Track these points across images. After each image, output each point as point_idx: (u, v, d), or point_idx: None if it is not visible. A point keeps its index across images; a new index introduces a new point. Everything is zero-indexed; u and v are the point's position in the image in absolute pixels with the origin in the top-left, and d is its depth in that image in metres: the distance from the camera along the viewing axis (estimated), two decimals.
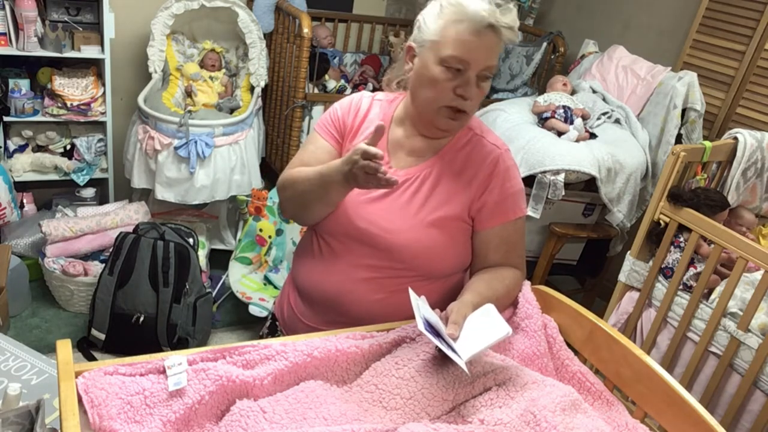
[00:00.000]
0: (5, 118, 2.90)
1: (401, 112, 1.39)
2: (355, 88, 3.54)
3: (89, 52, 2.94)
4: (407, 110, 1.36)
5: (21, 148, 3.05)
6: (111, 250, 2.54)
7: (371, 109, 1.40)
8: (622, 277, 2.41)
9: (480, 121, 1.41)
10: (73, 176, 3.06)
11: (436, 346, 1.13)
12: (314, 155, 1.38)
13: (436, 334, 1.12)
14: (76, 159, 3.09)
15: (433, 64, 1.24)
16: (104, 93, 3.01)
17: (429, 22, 1.26)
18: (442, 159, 1.34)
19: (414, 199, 1.31)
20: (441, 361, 1.12)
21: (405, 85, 1.40)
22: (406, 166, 1.35)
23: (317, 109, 3.16)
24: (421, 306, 1.14)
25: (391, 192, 1.32)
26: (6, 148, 3.01)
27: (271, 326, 1.53)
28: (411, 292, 1.16)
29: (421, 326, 1.09)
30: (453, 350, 1.09)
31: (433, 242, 1.30)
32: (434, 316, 1.15)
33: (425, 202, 1.31)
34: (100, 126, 3.10)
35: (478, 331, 1.14)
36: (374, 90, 3.21)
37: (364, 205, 1.31)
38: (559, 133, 2.78)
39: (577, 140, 2.74)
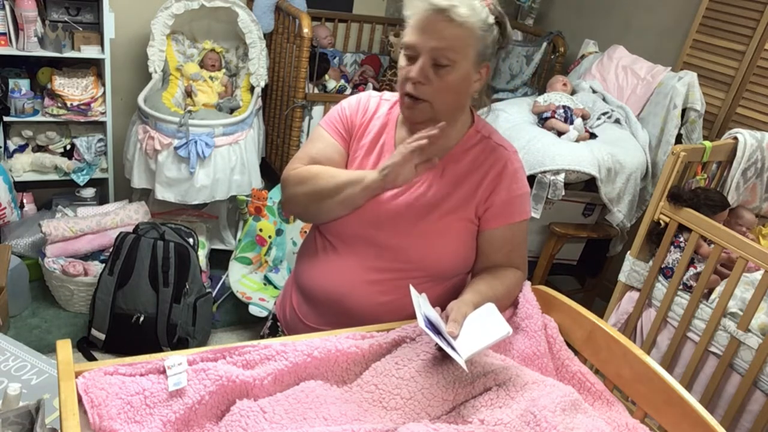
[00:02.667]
0: (5, 118, 2.89)
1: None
2: (355, 88, 3.54)
3: (89, 52, 2.93)
4: None
5: (21, 148, 3.05)
6: (111, 250, 2.54)
7: (379, 108, 1.40)
8: (622, 277, 2.41)
9: (486, 123, 1.41)
10: (73, 176, 3.06)
11: (437, 344, 1.13)
12: (323, 153, 1.37)
13: (437, 331, 1.12)
14: (76, 159, 3.09)
15: (401, 55, 1.27)
16: (104, 93, 3.01)
17: None
18: (451, 161, 1.35)
19: (422, 201, 1.31)
20: (441, 361, 1.12)
21: None
22: None
23: (317, 109, 3.17)
24: (422, 303, 1.15)
25: (401, 193, 1.32)
26: (6, 148, 3.01)
27: (272, 326, 1.53)
28: (412, 289, 1.17)
29: (421, 323, 1.09)
30: (453, 348, 1.09)
31: (442, 243, 1.30)
32: (435, 314, 1.15)
33: (434, 204, 1.31)
34: (100, 126, 3.10)
35: (479, 330, 1.14)
36: (374, 90, 3.20)
37: (372, 206, 1.31)
38: (559, 133, 2.78)
39: (577, 140, 2.74)
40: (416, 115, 1.29)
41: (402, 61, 1.26)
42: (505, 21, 1.28)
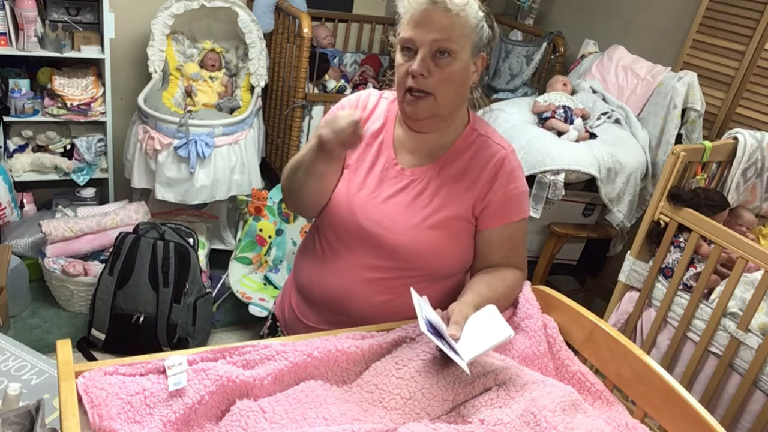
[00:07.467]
0: (5, 118, 2.90)
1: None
2: (355, 88, 3.54)
3: (89, 52, 2.94)
4: None
5: (21, 148, 3.05)
6: (111, 250, 2.54)
7: (378, 106, 1.41)
8: (622, 277, 2.41)
9: (483, 121, 1.41)
10: (73, 176, 3.06)
11: (438, 347, 1.12)
12: None
13: (438, 334, 1.12)
14: (76, 159, 3.09)
15: (398, 52, 1.27)
16: (104, 93, 3.01)
17: None
18: (448, 160, 1.34)
19: (419, 199, 1.31)
20: (441, 361, 1.12)
21: None
22: (412, 166, 1.35)
23: (317, 109, 3.16)
24: (423, 306, 1.14)
25: (397, 192, 1.32)
26: (6, 148, 3.01)
27: (271, 326, 1.53)
28: (413, 292, 1.16)
29: (423, 327, 1.09)
30: (454, 351, 1.09)
31: (438, 242, 1.30)
32: (436, 317, 1.15)
33: (430, 203, 1.31)
34: (100, 126, 3.10)
35: (480, 332, 1.13)
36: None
37: (368, 204, 1.31)
38: (559, 133, 2.78)
39: (577, 140, 2.74)
40: (419, 111, 1.28)
41: (400, 58, 1.26)
42: (491, 15, 1.30)
